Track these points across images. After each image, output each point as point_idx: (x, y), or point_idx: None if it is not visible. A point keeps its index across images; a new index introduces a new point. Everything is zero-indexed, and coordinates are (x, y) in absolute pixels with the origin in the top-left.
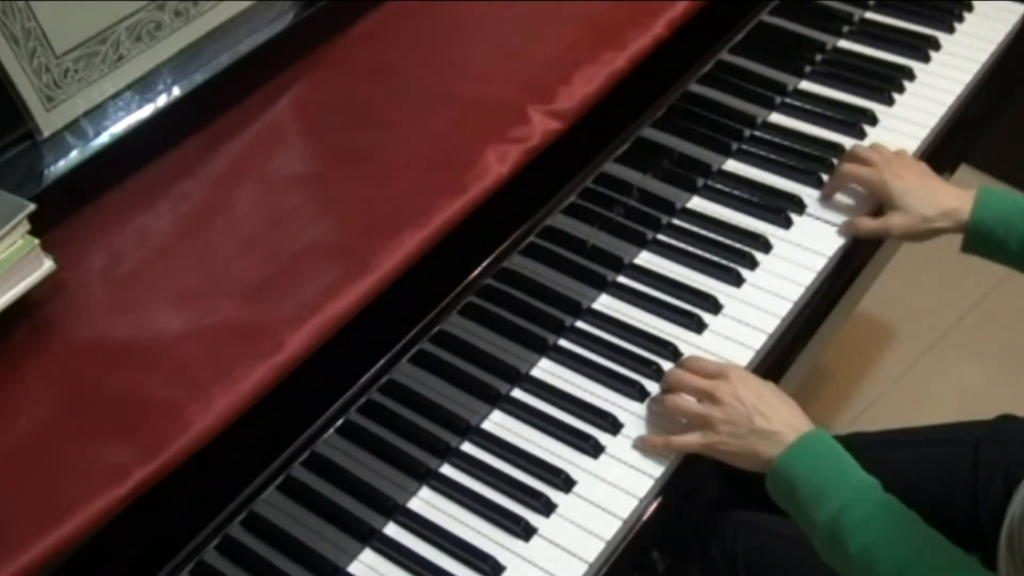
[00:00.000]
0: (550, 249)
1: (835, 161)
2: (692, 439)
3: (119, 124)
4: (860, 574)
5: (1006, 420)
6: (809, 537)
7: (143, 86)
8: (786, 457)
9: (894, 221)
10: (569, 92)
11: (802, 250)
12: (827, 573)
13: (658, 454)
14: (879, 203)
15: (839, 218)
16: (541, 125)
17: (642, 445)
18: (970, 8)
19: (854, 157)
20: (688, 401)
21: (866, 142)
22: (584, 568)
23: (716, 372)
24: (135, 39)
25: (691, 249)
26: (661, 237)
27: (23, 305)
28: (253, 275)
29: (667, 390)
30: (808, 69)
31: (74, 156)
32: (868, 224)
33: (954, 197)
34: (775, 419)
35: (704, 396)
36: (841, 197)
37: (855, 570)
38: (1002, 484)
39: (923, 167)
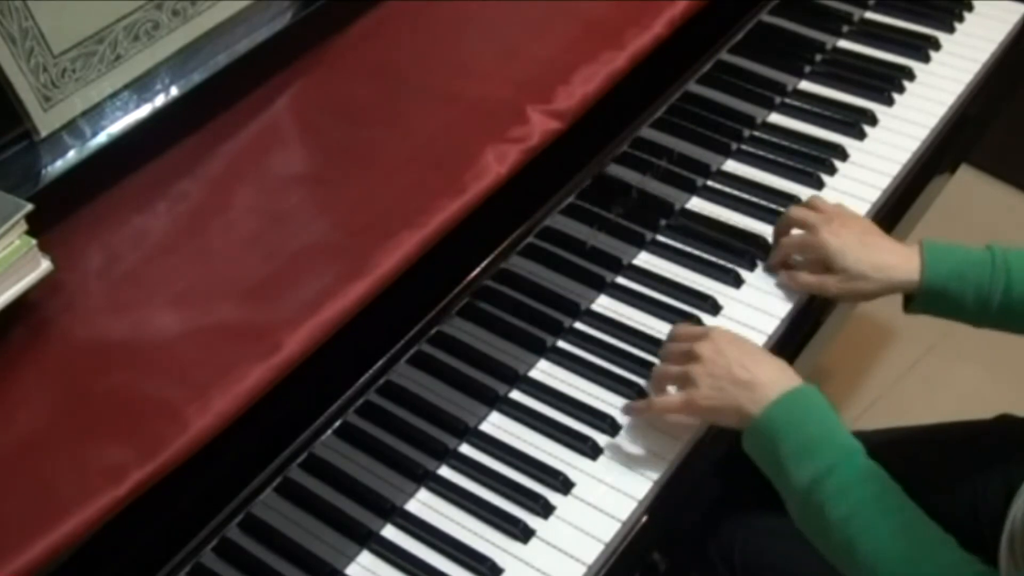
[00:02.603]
0: (549, 250)
1: (835, 162)
2: (674, 398)
3: (117, 124)
4: (837, 542)
5: (1005, 420)
6: (783, 498)
7: (141, 86)
8: (769, 411)
9: (830, 281)
10: (568, 92)
11: None
12: (825, 574)
13: (655, 455)
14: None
15: None
16: (540, 125)
17: (626, 411)
18: (970, 8)
19: (789, 222)
20: (671, 367)
21: (866, 142)
22: (583, 570)
23: (699, 333)
24: (133, 39)
25: (690, 250)
26: (660, 238)
27: (20, 305)
28: (251, 275)
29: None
30: (808, 69)
31: (72, 156)
32: (806, 279)
33: (895, 255)
34: (759, 372)
35: (686, 358)
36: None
37: (832, 537)
38: (1001, 485)
39: (865, 223)
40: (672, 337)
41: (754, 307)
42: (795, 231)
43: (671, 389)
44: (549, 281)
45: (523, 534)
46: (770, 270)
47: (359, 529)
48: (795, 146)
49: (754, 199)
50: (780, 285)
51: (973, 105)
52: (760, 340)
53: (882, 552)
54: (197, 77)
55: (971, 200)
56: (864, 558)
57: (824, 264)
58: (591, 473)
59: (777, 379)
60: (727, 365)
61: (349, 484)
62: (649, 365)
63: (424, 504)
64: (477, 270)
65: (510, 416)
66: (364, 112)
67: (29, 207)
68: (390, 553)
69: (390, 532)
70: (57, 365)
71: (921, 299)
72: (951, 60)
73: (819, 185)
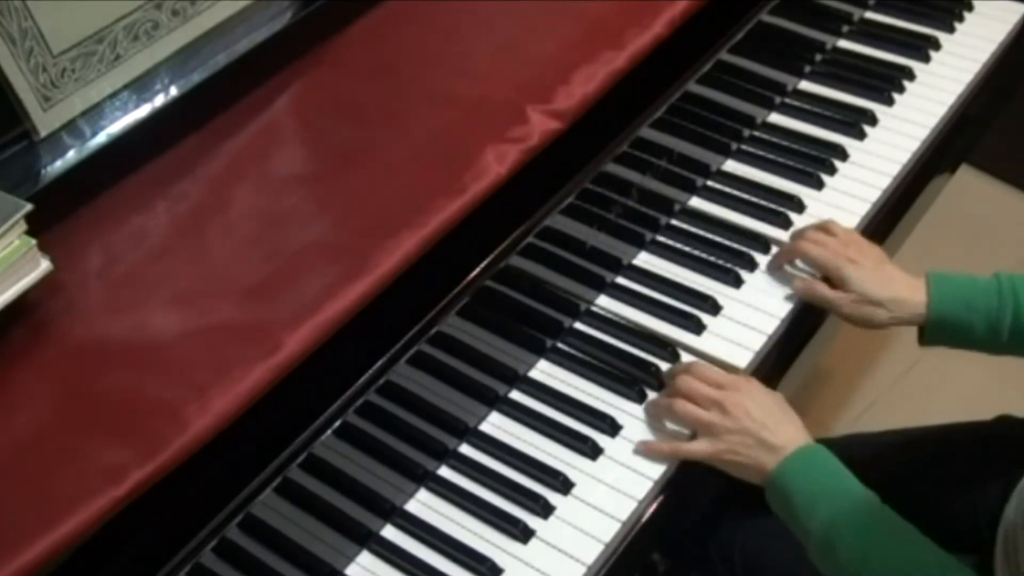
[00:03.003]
0: (549, 250)
1: (835, 162)
2: (699, 447)
3: (116, 124)
4: None
5: (1005, 420)
6: (804, 546)
7: (140, 86)
8: (783, 466)
9: (844, 301)
10: (568, 92)
11: None
12: (824, 574)
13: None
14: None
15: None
16: (540, 125)
17: (646, 451)
18: (970, 8)
19: (806, 237)
20: (697, 409)
21: (866, 142)
22: (583, 570)
23: (727, 383)
24: (132, 38)
25: (690, 250)
26: (660, 238)
27: (20, 306)
28: (251, 275)
29: (672, 394)
30: (808, 69)
31: (71, 156)
32: (821, 292)
33: (906, 289)
34: (781, 434)
35: (713, 405)
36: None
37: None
38: (1000, 485)
39: (878, 253)
40: (694, 374)
41: (754, 307)
42: (809, 245)
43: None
44: (549, 281)
45: (523, 534)
46: (774, 269)
47: (359, 529)
48: (795, 146)
49: (754, 199)
50: (780, 285)
51: (973, 105)
52: (760, 340)
53: None
54: (197, 77)
55: (971, 200)
56: None
57: (840, 289)
58: (591, 473)
59: (794, 438)
60: (754, 427)
61: (349, 484)
62: (649, 365)
63: (424, 504)
64: (477, 270)
65: (510, 416)
66: (364, 112)
67: (29, 207)
68: (390, 553)
69: (390, 532)
70: (57, 365)
71: (931, 331)
72: (951, 60)
73: (819, 185)
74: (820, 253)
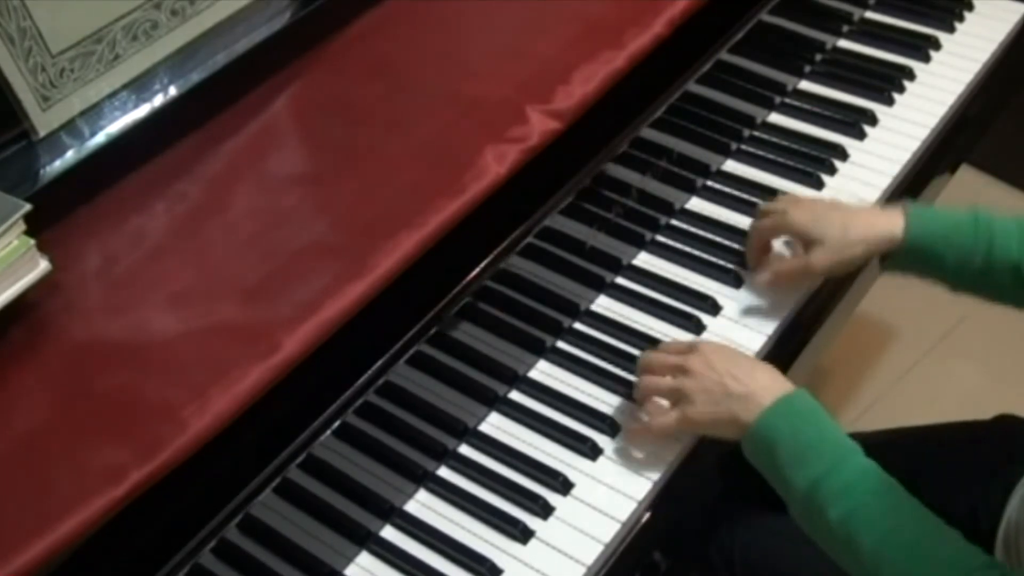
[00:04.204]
0: (548, 250)
1: (835, 162)
2: (670, 417)
3: (115, 124)
4: (840, 542)
5: (1005, 420)
6: (785, 501)
7: (139, 86)
8: (764, 418)
9: (814, 255)
10: (568, 92)
11: None
12: (824, 572)
13: (655, 455)
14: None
15: None
16: (540, 125)
17: (627, 440)
18: (971, 7)
19: (760, 215)
20: (662, 379)
21: (866, 142)
22: (583, 571)
23: (687, 347)
24: (131, 38)
25: (690, 250)
26: (660, 238)
27: (18, 306)
28: (250, 276)
29: (638, 374)
30: (808, 69)
31: (70, 156)
32: (786, 265)
33: (875, 215)
34: (750, 382)
35: (676, 371)
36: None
37: (835, 538)
38: (1001, 485)
39: (831, 199)
40: (656, 349)
41: (754, 307)
42: (760, 223)
43: (662, 402)
44: (548, 281)
45: (522, 535)
46: (754, 281)
47: (358, 530)
48: (795, 146)
49: (754, 199)
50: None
51: (973, 105)
52: (760, 340)
53: (885, 549)
54: (196, 77)
55: (971, 200)
56: (868, 556)
57: (804, 242)
58: (591, 474)
59: (770, 386)
60: (719, 378)
61: (348, 485)
62: None
63: (423, 505)
64: (476, 270)
65: (509, 417)
66: (363, 112)
67: (27, 207)
68: (389, 554)
69: (389, 533)
70: (55, 365)
71: (901, 257)
72: (951, 60)
73: (819, 185)
74: (768, 221)
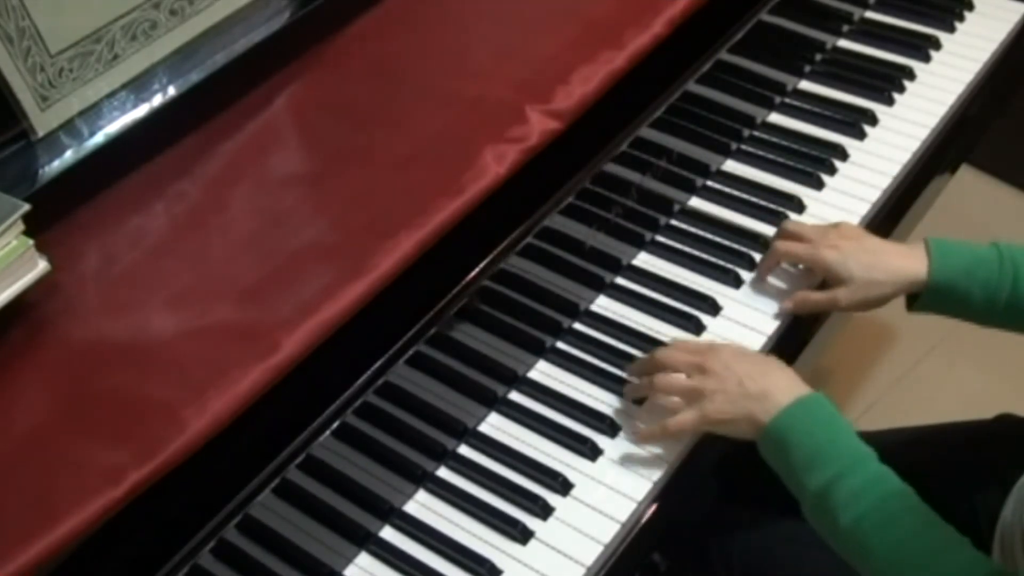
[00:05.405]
0: (548, 250)
1: (835, 162)
2: (687, 417)
3: (114, 124)
4: (851, 546)
5: (1005, 420)
6: (799, 501)
7: (138, 85)
8: (780, 419)
9: (840, 293)
10: (567, 92)
11: None
12: (826, 574)
13: (655, 456)
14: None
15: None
16: (539, 125)
17: (638, 439)
18: (971, 7)
19: (786, 234)
20: (678, 377)
21: (866, 142)
22: (582, 572)
23: (703, 347)
24: (130, 38)
25: (690, 250)
26: (659, 238)
27: (17, 306)
28: (249, 276)
29: (651, 370)
30: (808, 69)
31: (69, 156)
32: (814, 298)
33: (900, 256)
34: (767, 383)
35: (694, 370)
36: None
37: (846, 542)
38: (999, 485)
39: (860, 231)
40: (671, 347)
41: (754, 307)
42: (788, 245)
43: (671, 400)
44: (548, 282)
45: (522, 535)
46: (759, 281)
47: (357, 530)
48: (795, 146)
49: (754, 199)
50: (780, 285)
51: (973, 105)
52: (760, 340)
53: (895, 555)
54: (195, 77)
55: (971, 200)
56: (878, 562)
57: (829, 279)
58: (590, 474)
59: (787, 388)
60: (737, 379)
61: (347, 485)
62: None
63: (423, 505)
64: (476, 270)
65: (509, 417)
66: (362, 112)
67: (26, 207)
68: (388, 554)
69: (388, 533)
70: (54, 366)
71: (927, 297)
72: (951, 60)
73: (819, 185)
74: (798, 248)
